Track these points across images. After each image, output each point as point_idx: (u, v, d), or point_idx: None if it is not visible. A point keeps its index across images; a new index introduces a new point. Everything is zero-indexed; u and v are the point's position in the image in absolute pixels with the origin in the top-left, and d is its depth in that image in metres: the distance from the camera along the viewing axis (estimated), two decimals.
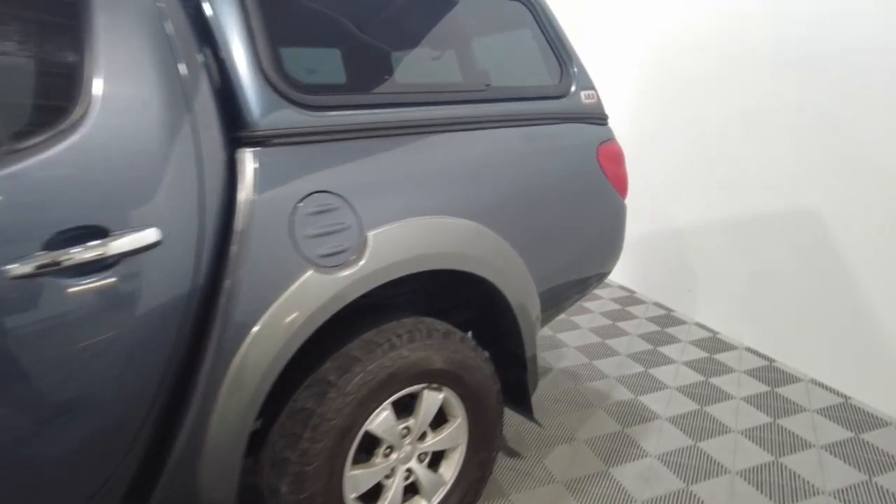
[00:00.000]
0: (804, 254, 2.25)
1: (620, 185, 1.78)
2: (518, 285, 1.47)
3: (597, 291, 3.46)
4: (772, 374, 2.32)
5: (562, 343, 2.71)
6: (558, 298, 1.71)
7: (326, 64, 1.27)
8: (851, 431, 1.91)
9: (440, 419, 1.45)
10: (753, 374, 2.33)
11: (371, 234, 1.17)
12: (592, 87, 1.74)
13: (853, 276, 2.07)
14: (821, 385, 2.22)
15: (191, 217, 1.00)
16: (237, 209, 1.05)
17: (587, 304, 3.22)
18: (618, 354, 2.56)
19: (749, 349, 2.55)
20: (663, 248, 3.13)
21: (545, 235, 1.56)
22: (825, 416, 2.01)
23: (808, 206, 2.22)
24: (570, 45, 1.72)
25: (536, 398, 2.21)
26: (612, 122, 3.58)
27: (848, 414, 2.02)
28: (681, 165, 2.92)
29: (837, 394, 2.15)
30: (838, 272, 2.12)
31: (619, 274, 3.58)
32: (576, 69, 1.70)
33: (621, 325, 2.90)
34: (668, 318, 2.96)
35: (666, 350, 2.58)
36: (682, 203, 2.94)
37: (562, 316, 3.06)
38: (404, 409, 1.37)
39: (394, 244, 1.19)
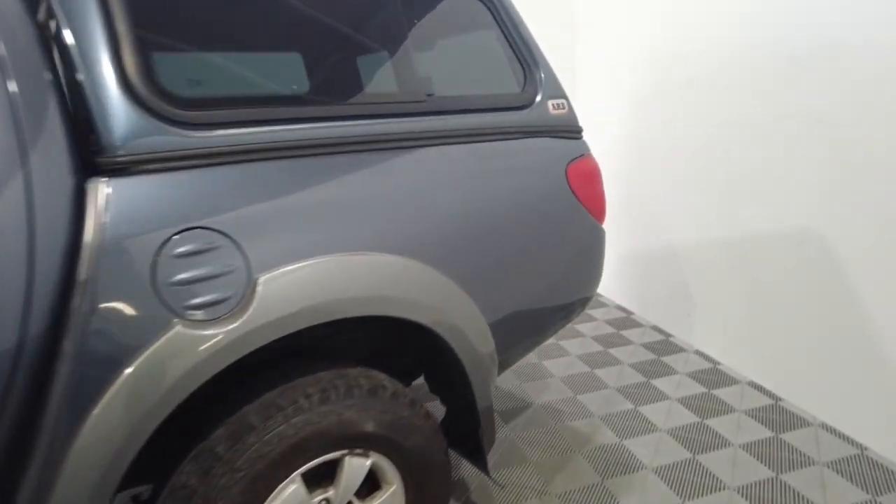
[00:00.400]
0: (816, 279, 2.00)
1: (596, 207, 1.55)
2: (464, 329, 1.25)
3: (592, 311, 3.22)
4: (777, 415, 2.07)
5: (546, 373, 2.48)
6: (526, 332, 1.49)
7: (215, 72, 1.06)
8: (867, 493, 1.65)
9: (374, 482, 1.24)
10: (756, 415, 2.08)
11: (262, 279, 0.96)
12: (563, 96, 1.51)
13: (872, 307, 1.82)
14: (833, 431, 1.96)
15: (14, 265, 0.80)
16: (82, 253, 0.85)
17: (579, 327, 2.99)
18: (606, 388, 2.33)
19: (752, 384, 2.30)
20: (662, 266, 2.88)
21: (501, 267, 1.34)
22: (836, 471, 1.75)
23: (819, 225, 1.97)
24: (536, 48, 1.50)
25: (511, 438, 1.98)
26: (605, 132, 3.35)
27: (863, 469, 1.76)
28: (679, 177, 2.67)
29: (852, 443, 1.89)
30: (854, 301, 1.87)
31: (617, 292, 3.34)
32: (543, 75, 1.48)
33: (614, 352, 2.66)
34: (665, 345, 2.71)
35: (660, 384, 2.34)
36: (680, 218, 2.70)
37: (550, 340, 2.83)
38: (327, 475, 1.16)
39: (291, 290, 0.98)
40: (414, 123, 1.21)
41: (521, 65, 1.46)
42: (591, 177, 1.54)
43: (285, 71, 1.13)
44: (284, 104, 1.06)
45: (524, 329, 1.46)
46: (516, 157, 1.38)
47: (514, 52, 1.45)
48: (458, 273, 1.23)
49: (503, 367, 1.46)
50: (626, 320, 3.06)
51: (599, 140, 3.48)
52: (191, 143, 0.95)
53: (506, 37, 1.45)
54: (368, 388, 1.14)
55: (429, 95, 1.27)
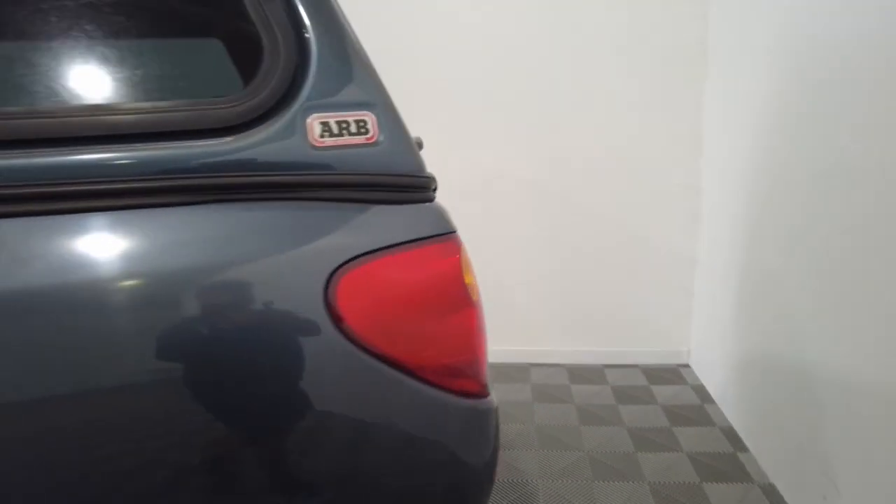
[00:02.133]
0: None
1: (444, 361, 0.67)
2: None
3: (681, 430, 2.10)
4: None
5: None
6: None
7: None
8: None
9: None
10: None
11: None
12: (366, 103, 0.66)
13: None
14: None
15: None
16: None
17: (644, 459, 1.92)
18: None
19: None
20: (792, 391, 1.69)
21: None
22: None
23: None
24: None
25: None
26: (722, 168, 2.18)
27: None
28: (831, 246, 1.49)
29: None
30: None
31: (732, 406, 2.16)
32: (313, 55, 0.65)
33: None
34: None
35: None
36: (827, 314, 1.50)
37: (572, 478, 1.83)
38: None
39: None
40: None
41: (266, 33, 0.64)
42: (430, 291, 0.66)
43: None
44: None
45: None
46: (175, 250, 0.58)
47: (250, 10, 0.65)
48: None
49: None
50: (728, 463, 1.89)
51: (721, 170, 2.34)
52: None
53: None
54: None
55: None
